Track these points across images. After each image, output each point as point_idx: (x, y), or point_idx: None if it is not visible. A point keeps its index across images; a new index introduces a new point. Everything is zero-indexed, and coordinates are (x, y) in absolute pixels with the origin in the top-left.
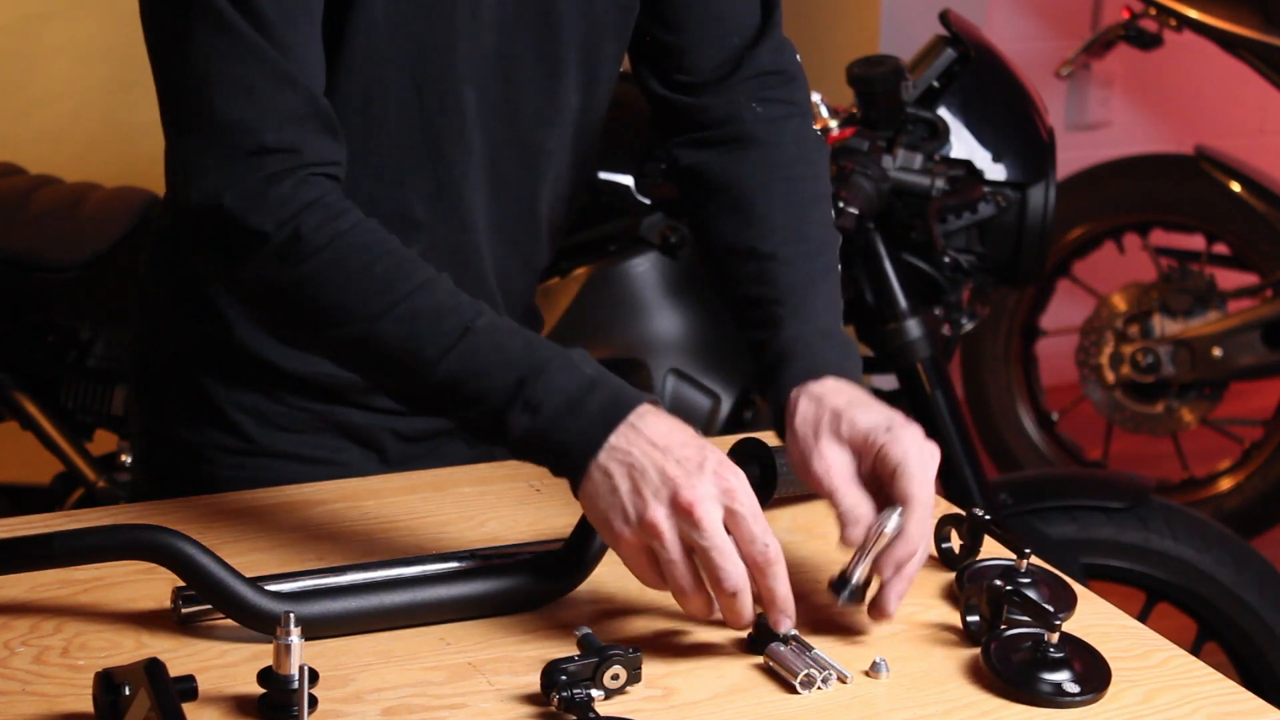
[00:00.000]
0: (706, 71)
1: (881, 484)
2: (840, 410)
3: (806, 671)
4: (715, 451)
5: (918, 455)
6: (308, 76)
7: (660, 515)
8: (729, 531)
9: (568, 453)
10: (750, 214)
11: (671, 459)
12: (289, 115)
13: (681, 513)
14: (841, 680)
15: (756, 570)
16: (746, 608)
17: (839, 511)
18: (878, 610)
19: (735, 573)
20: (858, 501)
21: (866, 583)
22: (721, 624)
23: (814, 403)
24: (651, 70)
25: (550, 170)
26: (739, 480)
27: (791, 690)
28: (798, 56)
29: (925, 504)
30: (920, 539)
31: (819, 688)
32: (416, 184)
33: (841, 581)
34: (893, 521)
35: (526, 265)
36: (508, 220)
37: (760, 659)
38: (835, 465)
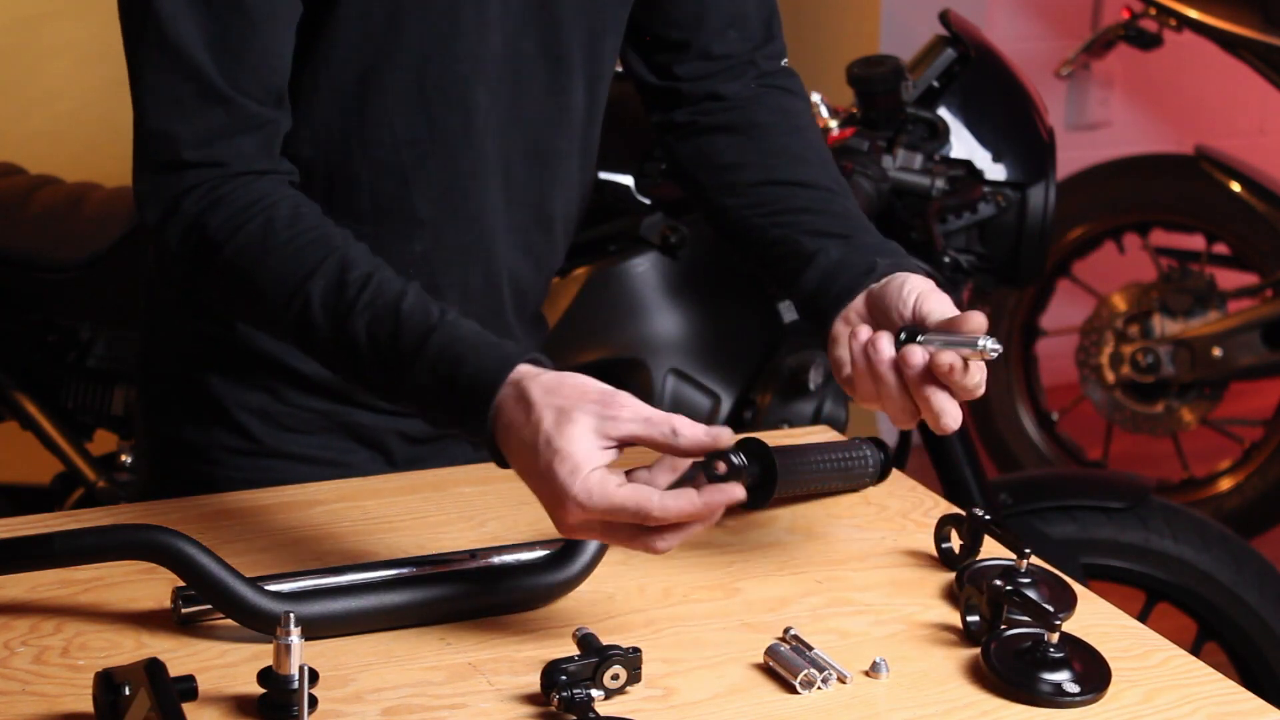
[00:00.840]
0: (709, 67)
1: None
2: (924, 292)
3: (806, 671)
4: (553, 436)
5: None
6: (247, 93)
7: (579, 521)
8: (628, 444)
9: (469, 406)
10: (790, 155)
11: (536, 477)
12: (215, 131)
13: (579, 531)
14: (841, 680)
15: (669, 446)
16: (692, 507)
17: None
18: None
19: (660, 512)
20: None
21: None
22: (722, 625)
23: (922, 284)
24: (648, 65)
25: (561, 169)
26: (575, 430)
27: (791, 690)
28: (786, 62)
29: (979, 322)
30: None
31: (819, 688)
32: (421, 182)
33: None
34: (991, 341)
35: (540, 267)
36: (521, 221)
37: (760, 659)
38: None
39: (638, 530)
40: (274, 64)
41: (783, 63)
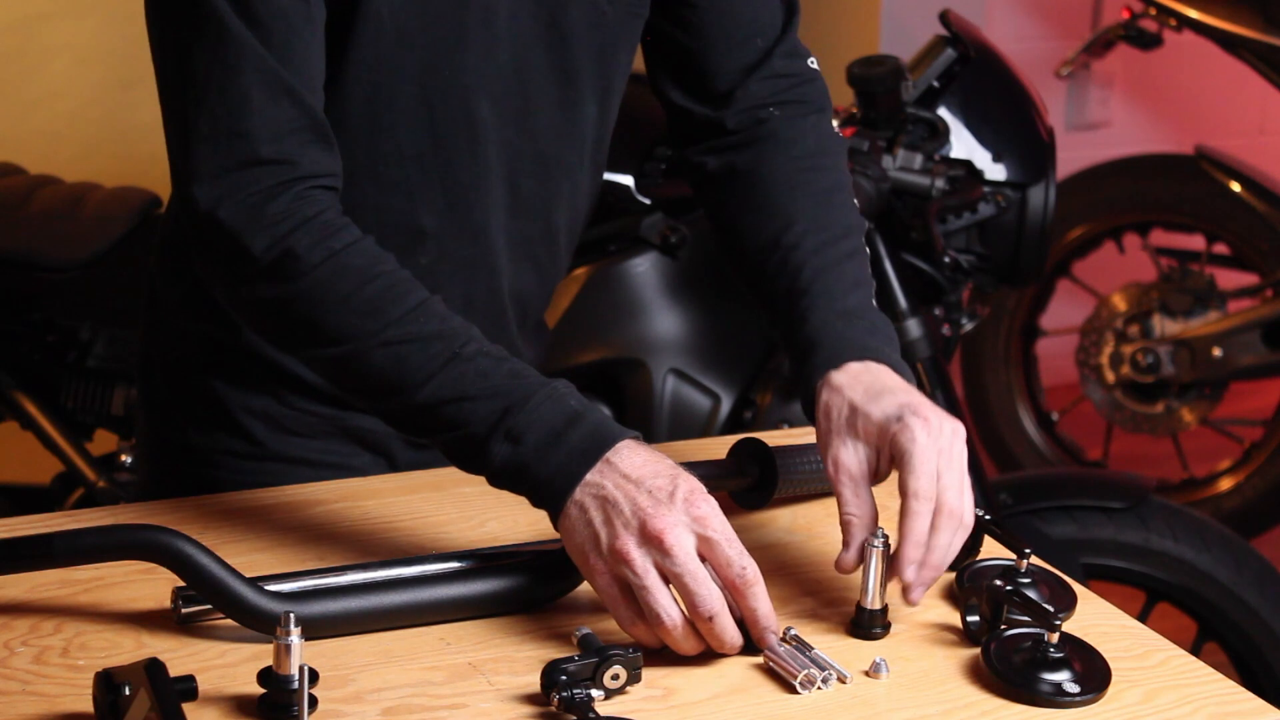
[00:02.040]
0: (727, 75)
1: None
2: (856, 404)
3: (806, 671)
4: (689, 480)
5: (923, 446)
6: (307, 88)
7: (630, 544)
8: (704, 559)
9: (547, 485)
10: (773, 209)
11: (643, 490)
12: (286, 127)
13: (651, 541)
14: (841, 680)
15: (737, 593)
16: (727, 630)
17: (840, 516)
18: (906, 598)
19: (710, 596)
20: (857, 509)
21: (884, 607)
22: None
23: (834, 395)
24: (672, 79)
25: (567, 183)
26: (710, 507)
27: (791, 690)
28: (813, 61)
29: (926, 496)
30: (920, 534)
31: (819, 688)
32: (426, 195)
33: (856, 620)
34: (877, 542)
35: (542, 281)
36: (525, 235)
37: (760, 659)
38: (844, 466)
39: (676, 611)
40: (317, 70)
41: (809, 62)
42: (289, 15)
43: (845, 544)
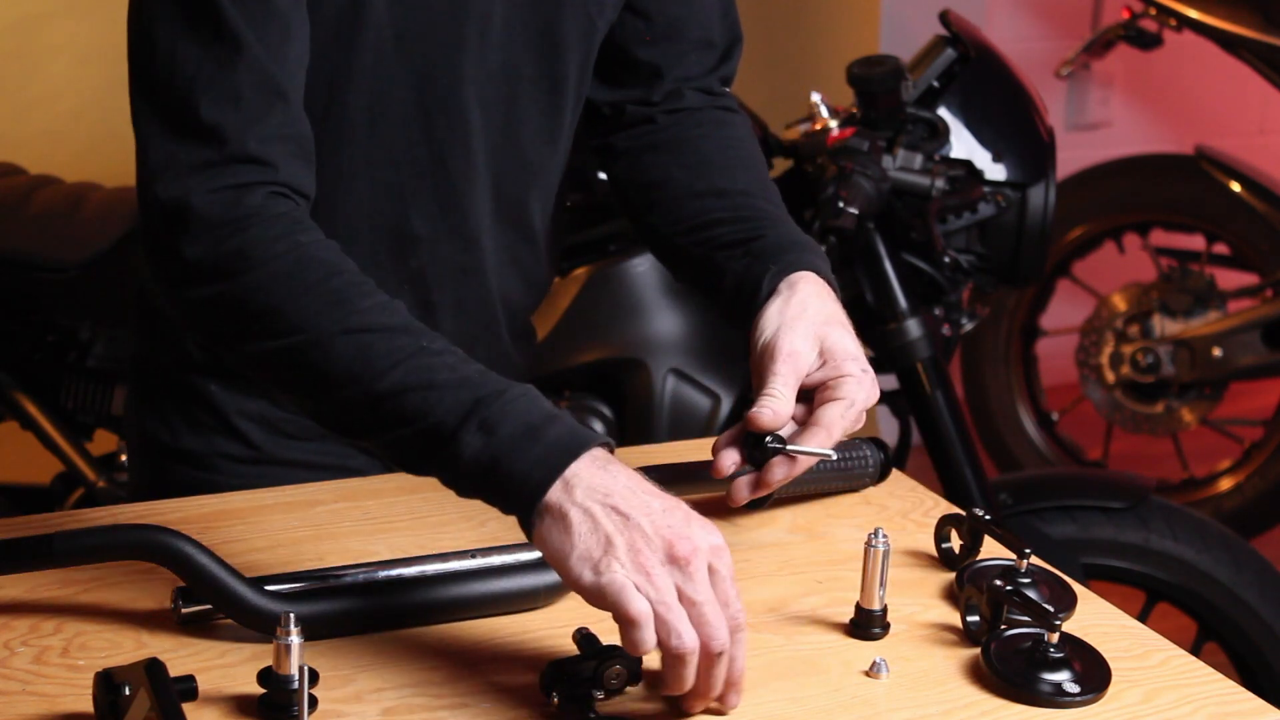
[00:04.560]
0: (667, 81)
1: (815, 398)
2: (832, 319)
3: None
4: (681, 502)
5: (861, 408)
6: (296, 96)
7: (654, 562)
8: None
9: (523, 483)
10: (709, 163)
11: (655, 507)
12: (273, 130)
13: (678, 562)
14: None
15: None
16: (735, 664)
17: (763, 393)
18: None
19: (724, 631)
20: (781, 397)
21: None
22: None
23: (810, 295)
24: (606, 78)
25: (544, 185)
26: (721, 539)
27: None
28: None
29: (834, 439)
30: (807, 465)
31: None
32: (419, 200)
33: (856, 620)
34: (878, 542)
35: (528, 283)
36: (509, 238)
37: (760, 659)
38: (796, 355)
39: (690, 633)
40: (302, 81)
41: (727, 89)
42: (287, 20)
43: (756, 414)
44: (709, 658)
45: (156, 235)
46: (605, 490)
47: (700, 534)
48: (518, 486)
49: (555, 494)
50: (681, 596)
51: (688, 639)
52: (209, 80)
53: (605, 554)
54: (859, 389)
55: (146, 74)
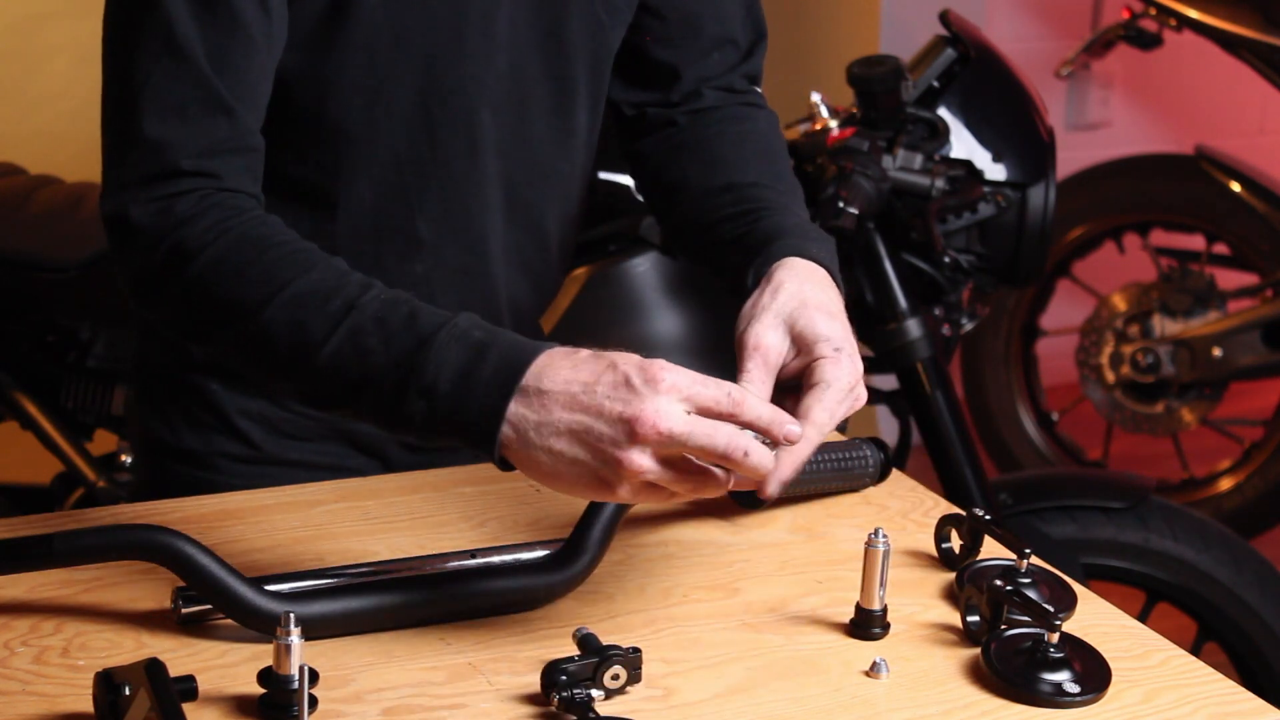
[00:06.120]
0: (686, 81)
1: (799, 387)
2: (807, 302)
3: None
4: (625, 357)
5: (843, 389)
6: (247, 107)
7: (632, 455)
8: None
9: (476, 434)
10: (723, 160)
11: (602, 398)
12: (217, 144)
13: (648, 439)
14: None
15: (734, 418)
16: (763, 455)
17: (740, 378)
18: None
19: (730, 435)
20: (757, 391)
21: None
22: (722, 625)
23: (774, 284)
24: (627, 80)
25: (560, 189)
26: (665, 370)
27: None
28: (762, 96)
29: (820, 430)
30: (802, 456)
31: None
32: (423, 203)
33: (856, 620)
34: (878, 543)
35: (537, 289)
36: (520, 243)
37: (760, 658)
38: (765, 348)
39: (706, 475)
40: (265, 87)
41: (759, 91)
42: (250, 30)
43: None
44: (738, 461)
45: (111, 248)
46: (551, 422)
47: (646, 396)
48: (473, 437)
49: (509, 441)
50: (672, 452)
51: (712, 482)
52: (154, 93)
53: (594, 480)
54: (834, 369)
55: (105, 85)
